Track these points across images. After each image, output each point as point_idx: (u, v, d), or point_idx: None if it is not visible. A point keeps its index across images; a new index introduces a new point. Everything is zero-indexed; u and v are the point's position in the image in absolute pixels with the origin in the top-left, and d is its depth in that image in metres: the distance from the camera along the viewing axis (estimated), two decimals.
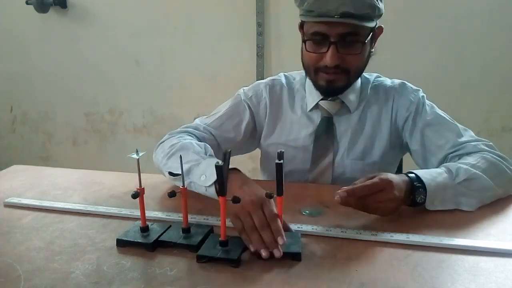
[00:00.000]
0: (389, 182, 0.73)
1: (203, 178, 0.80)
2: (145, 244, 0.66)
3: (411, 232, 0.69)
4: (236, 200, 0.63)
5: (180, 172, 0.70)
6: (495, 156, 0.86)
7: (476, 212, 0.78)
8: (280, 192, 0.64)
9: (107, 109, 2.30)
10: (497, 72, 1.79)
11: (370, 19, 0.86)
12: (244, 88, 1.10)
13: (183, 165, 0.71)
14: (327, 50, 0.87)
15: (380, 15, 0.89)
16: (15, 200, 0.86)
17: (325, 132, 1.00)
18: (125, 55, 2.17)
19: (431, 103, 1.00)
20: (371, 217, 0.76)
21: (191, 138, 0.97)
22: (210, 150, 0.91)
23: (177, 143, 0.91)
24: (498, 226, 0.73)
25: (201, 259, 0.62)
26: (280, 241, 0.62)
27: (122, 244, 0.67)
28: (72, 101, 2.33)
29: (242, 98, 1.06)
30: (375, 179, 0.73)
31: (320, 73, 0.92)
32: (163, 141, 0.97)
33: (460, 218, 0.76)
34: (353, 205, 0.72)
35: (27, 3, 2.13)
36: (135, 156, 0.64)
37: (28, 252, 0.66)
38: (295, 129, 1.03)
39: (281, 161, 0.62)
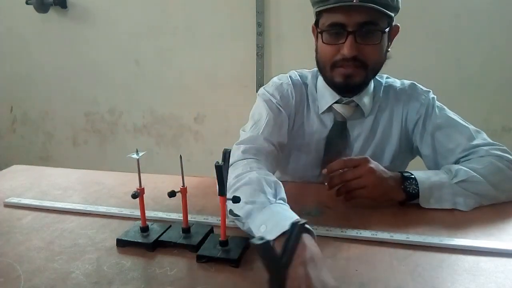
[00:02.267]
0: (364, 158, 0.80)
1: (263, 229, 0.62)
2: (145, 244, 0.66)
3: (411, 232, 0.69)
4: (236, 200, 0.62)
5: (240, 215, 0.64)
6: (505, 162, 0.83)
7: (476, 212, 0.78)
8: None
9: (107, 109, 2.30)
10: (497, 72, 1.79)
11: (389, 7, 0.84)
12: (266, 90, 1.00)
13: (245, 204, 0.65)
14: (345, 41, 0.84)
15: (397, 9, 0.87)
16: (15, 200, 0.86)
17: (338, 137, 0.97)
18: (125, 55, 2.17)
19: (441, 104, 0.98)
20: (371, 217, 0.76)
21: (259, 165, 0.81)
22: (282, 192, 0.73)
23: (243, 173, 0.76)
24: (498, 226, 0.73)
25: (201, 259, 0.62)
26: None
27: (122, 244, 0.67)
28: (72, 101, 2.33)
29: (274, 101, 0.97)
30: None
31: (337, 68, 0.88)
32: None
33: (460, 218, 0.76)
34: (338, 184, 0.81)
35: (27, 3, 2.12)
36: (135, 156, 0.64)
37: (28, 252, 0.66)
38: (309, 133, 0.99)
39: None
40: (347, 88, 0.92)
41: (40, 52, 2.29)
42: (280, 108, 0.96)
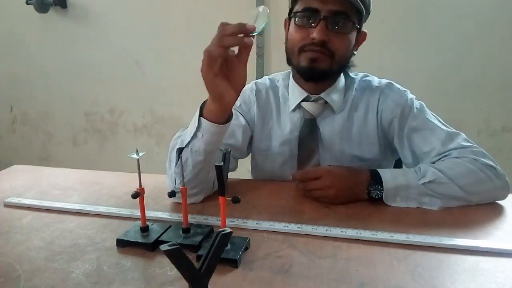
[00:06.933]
0: (327, 171, 0.83)
1: (192, 127, 0.81)
2: (145, 244, 0.66)
3: (411, 232, 0.69)
4: (236, 200, 0.63)
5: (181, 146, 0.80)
6: (478, 164, 0.81)
7: (476, 212, 0.78)
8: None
9: (107, 109, 2.30)
10: (497, 72, 1.79)
11: (363, 2, 0.87)
12: None
13: (177, 147, 0.80)
14: (317, 25, 0.86)
15: (368, 8, 0.90)
16: (15, 200, 0.86)
17: (309, 135, 0.97)
18: (125, 55, 2.17)
19: (421, 103, 0.95)
20: (371, 217, 0.76)
21: None
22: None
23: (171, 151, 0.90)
24: (498, 226, 0.73)
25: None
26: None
27: (122, 244, 0.67)
28: (72, 101, 2.33)
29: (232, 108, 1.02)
30: (315, 168, 0.85)
31: (304, 52, 0.89)
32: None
33: (460, 218, 0.76)
34: (303, 190, 0.85)
35: (27, 3, 2.13)
36: (135, 156, 0.64)
37: (28, 252, 0.66)
38: (282, 134, 1.00)
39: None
40: (312, 73, 0.91)
41: (40, 52, 2.29)
42: (239, 114, 1.00)
